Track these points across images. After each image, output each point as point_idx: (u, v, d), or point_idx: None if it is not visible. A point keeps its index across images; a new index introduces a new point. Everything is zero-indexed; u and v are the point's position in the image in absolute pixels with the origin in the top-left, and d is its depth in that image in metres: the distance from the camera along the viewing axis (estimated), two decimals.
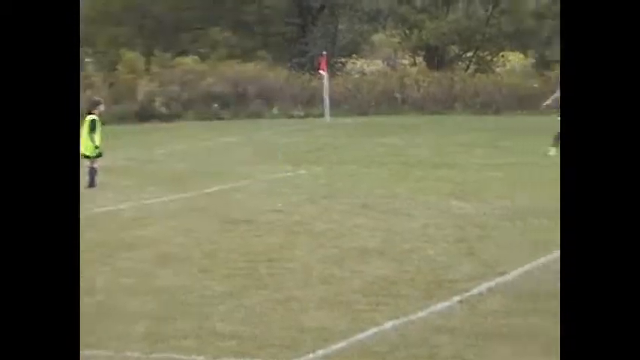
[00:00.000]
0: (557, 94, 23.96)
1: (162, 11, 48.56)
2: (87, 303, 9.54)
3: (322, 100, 38.13)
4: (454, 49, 49.51)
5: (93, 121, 19.40)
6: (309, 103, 41.50)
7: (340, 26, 51.34)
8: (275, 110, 41.42)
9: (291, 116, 40.41)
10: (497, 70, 47.73)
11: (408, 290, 10.55)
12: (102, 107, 20.49)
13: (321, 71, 38.10)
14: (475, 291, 10.40)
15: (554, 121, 20.47)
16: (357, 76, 47.27)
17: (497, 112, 40.23)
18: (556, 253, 12.20)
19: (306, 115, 40.36)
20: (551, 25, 44.96)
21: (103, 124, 20.30)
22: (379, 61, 53.81)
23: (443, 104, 42.20)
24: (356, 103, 42.05)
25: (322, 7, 50.11)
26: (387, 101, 42.11)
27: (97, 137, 19.27)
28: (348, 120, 37.77)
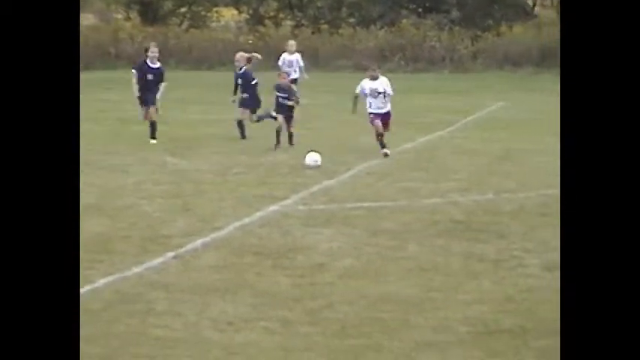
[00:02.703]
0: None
1: None
2: None
3: None
4: (168, 4, 49.16)
5: None
6: None
7: None
8: None
9: None
10: (212, 25, 47.86)
11: (123, 246, 10.49)
12: None
13: None
14: (190, 246, 10.49)
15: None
16: None
17: (211, 67, 40.40)
18: (272, 207, 12.50)
19: None
20: None
21: None
22: (91, 16, 52.67)
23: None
24: None
25: None
26: (101, 56, 41.36)
27: None
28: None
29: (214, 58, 41.34)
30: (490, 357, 7.21)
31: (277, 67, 27.93)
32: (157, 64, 18.90)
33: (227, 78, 35.79)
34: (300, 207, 12.75)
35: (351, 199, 13.28)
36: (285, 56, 26.52)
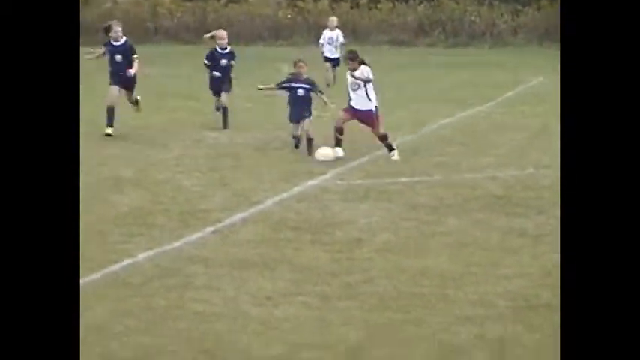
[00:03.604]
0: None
1: None
2: None
3: None
4: None
5: None
6: None
7: None
8: None
9: None
10: (251, 0, 47.76)
11: (162, 221, 10.53)
12: None
13: None
14: (229, 221, 10.51)
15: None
16: (109, 5, 46.18)
17: (248, 42, 40.35)
18: (310, 182, 12.50)
19: None
20: None
21: None
22: None
23: (196, 34, 41.94)
24: None
25: None
26: (140, 31, 41.43)
27: None
28: (100, 49, 36.80)
29: (253, 33, 41.31)
30: (529, 331, 7.18)
31: (316, 43, 27.88)
32: (122, 41, 17.03)
33: (265, 53, 35.87)
34: (338, 182, 12.73)
35: (389, 174, 13.24)
36: (326, 33, 26.30)
